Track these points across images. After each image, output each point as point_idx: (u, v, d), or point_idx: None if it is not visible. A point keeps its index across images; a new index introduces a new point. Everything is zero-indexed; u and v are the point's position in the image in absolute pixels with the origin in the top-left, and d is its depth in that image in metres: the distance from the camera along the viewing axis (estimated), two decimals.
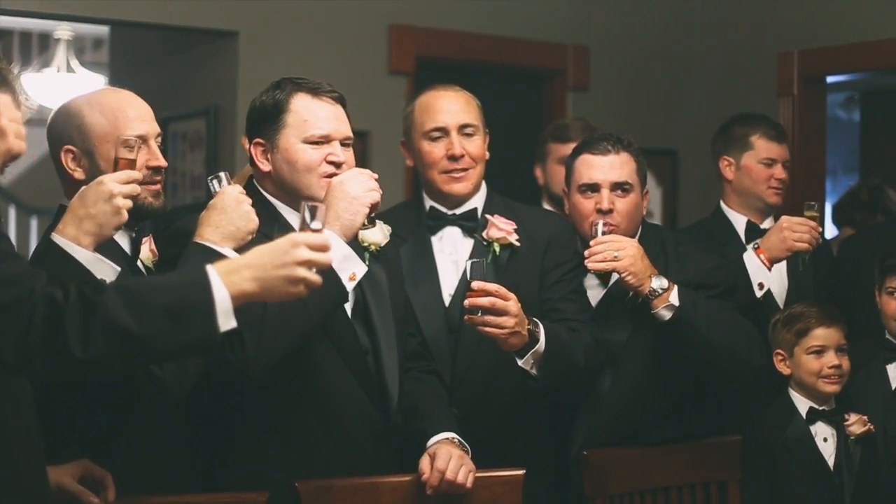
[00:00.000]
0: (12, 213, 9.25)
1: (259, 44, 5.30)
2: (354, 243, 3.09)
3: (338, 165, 3.05)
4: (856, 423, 3.65)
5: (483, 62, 5.73)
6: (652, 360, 3.52)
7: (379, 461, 3.10)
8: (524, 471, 3.20)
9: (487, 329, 3.20)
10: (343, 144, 3.09)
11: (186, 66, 5.70)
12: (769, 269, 3.86)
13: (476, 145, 3.54)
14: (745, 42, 6.02)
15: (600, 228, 3.47)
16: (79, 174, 2.93)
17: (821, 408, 3.69)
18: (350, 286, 2.94)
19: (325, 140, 3.06)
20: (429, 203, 3.59)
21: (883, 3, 5.43)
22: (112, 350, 2.23)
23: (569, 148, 4.31)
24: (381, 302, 3.15)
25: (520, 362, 3.30)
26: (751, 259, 3.86)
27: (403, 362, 3.20)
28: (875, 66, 5.72)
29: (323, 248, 2.35)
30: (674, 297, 3.42)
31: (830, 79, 5.93)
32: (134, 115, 2.95)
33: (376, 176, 3.03)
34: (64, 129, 2.95)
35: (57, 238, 2.74)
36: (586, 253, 3.46)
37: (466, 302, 3.19)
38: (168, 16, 5.19)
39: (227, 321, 2.28)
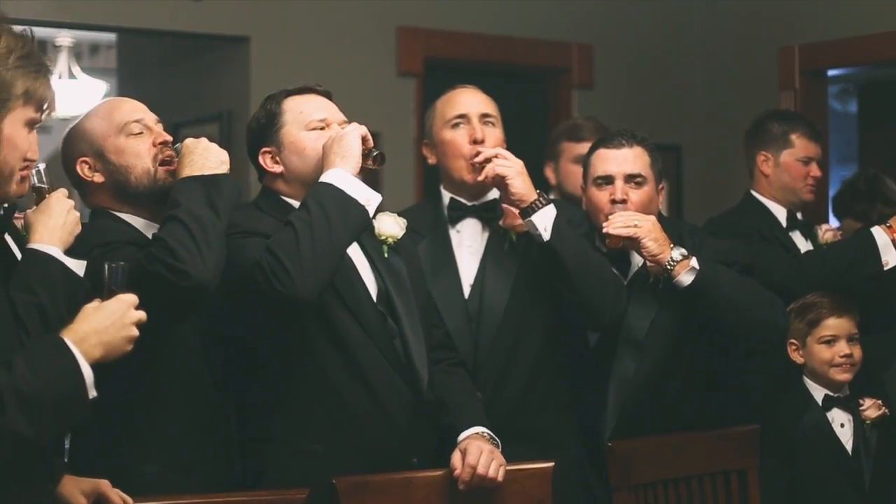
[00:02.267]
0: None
1: (270, 48, 5.38)
2: (372, 237, 3.24)
3: None
4: (871, 408, 3.74)
5: (490, 62, 5.82)
6: (675, 342, 3.61)
7: (415, 434, 3.17)
8: (553, 464, 3.27)
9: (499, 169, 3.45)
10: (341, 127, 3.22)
11: (198, 71, 5.78)
12: None
13: (496, 136, 3.65)
14: (746, 37, 6.10)
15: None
16: (98, 178, 3.03)
17: (836, 395, 3.77)
18: (369, 209, 3.05)
19: (324, 124, 3.20)
20: (448, 196, 3.69)
21: None
22: (6, 452, 2.33)
23: (582, 147, 4.41)
24: (403, 291, 3.25)
25: (531, 217, 3.45)
26: (880, 235, 3.95)
27: (431, 350, 3.28)
28: (875, 59, 5.78)
29: (138, 304, 2.50)
30: (694, 263, 3.50)
31: (831, 72, 6.00)
32: (127, 108, 3.08)
33: (365, 130, 3.13)
34: (72, 147, 3.07)
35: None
36: (604, 224, 3.55)
37: (480, 158, 3.52)
38: (180, 22, 5.28)
39: (92, 392, 2.40)
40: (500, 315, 3.57)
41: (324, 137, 3.16)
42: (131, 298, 2.48)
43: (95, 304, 2.46)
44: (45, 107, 2.53)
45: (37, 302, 2.50)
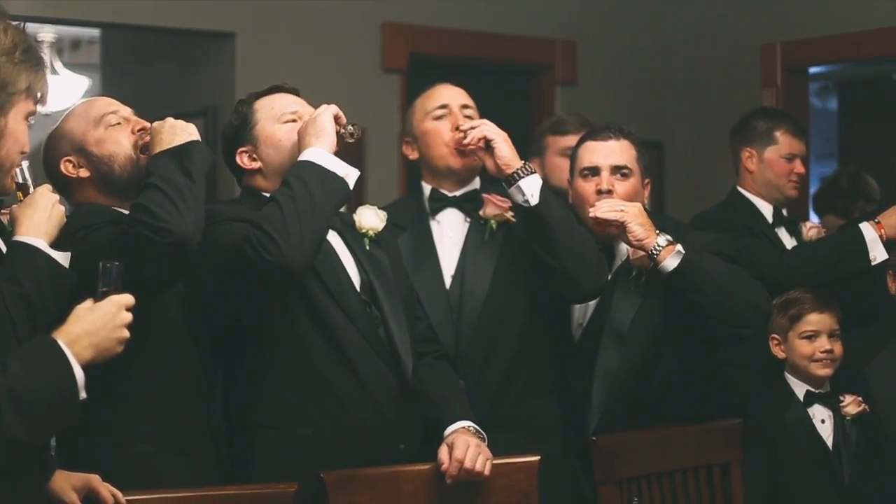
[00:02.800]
0: None
1: (255, 44, 5.38)
2: (354, 230, 3.30)
3: None
4: (851, 404, 3.78)
5: (474, 58, 5.84)
6: (659, 334, 3.64)
7: (401, 420, 3.21)
8: (538, 457, 3.31)
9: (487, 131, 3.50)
10: None
11: (183, 67, 5.78)
12: (883, 244, 3.97)
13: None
14: (728, 34, 6.13)
15: None
16: (83, 172, 3.06)
17: (817, 390, 3.80)
18: (349, 182, 3.09)
19: (296, 116, 3.25)
20: (429, 187, 3.74)
21: None
22: (1, 454, 2.35)
23: (567, 140, 4.47)
24: (385, 282, 3.30)
25: (518, 183, 3.49)
26: (868, 230, 3.99)
27: (414, 342, 3.32)
28: (856, 57, 5.83)
29: (132, 305, 2.51)
30: (679, 248, 3.54)
31: (813, 70, 6.06)
32: (101, 103, 3.13)
33: (337, 109, 3.17)
34: (53, 150, 3.10)
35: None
36: (590, 209, 3.58)
37: (466, 126, 3.54)
38: (165, 18, 5.27)
39: (83, 393, 2.41)
40: (481, 304, 3.61)
41: (298, 128, 3.21)
42: (124, 300, 2.50)
43: (88, 304, 2.48)
44: (40, 99, 2.57)
45: (22, 293, 2.51)
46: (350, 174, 3.09)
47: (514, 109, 5.99)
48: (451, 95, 3.75)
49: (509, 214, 3.66)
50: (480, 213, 3.69)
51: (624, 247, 3.71)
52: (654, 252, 3.53)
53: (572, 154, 3.87)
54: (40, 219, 2.67)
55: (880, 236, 3.96)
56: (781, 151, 4.39)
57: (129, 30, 5.66)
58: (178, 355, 3.06)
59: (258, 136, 3.25)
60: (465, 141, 3.55)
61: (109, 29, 6.08)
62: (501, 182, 3.56)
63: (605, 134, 3.76)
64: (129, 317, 2.50)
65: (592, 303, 3.71)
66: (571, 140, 4.54)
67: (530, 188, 3.50)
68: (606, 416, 3.62)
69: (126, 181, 3.04)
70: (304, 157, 3.09)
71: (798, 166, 4.39)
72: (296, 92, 3.36)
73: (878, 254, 3.94)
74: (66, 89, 7.87)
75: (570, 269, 3.53)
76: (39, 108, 2.59)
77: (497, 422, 3.43)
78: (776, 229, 4.38)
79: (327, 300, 3.16)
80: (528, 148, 4.92)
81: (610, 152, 3.73)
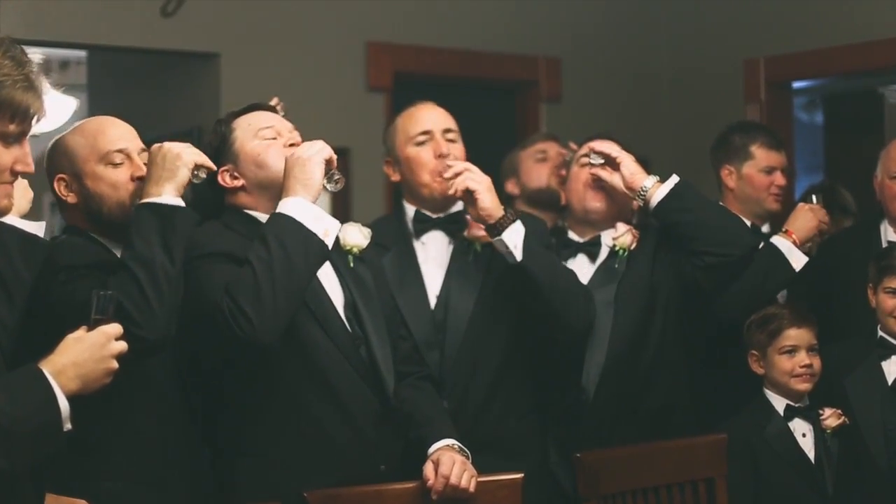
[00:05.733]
0: None
1: (241, 65, 5.40)
2: (338, 247, 3.27)
3: (294, 145, 3.21)
4: (831, 417, 3.79)
5: (459, 77, 5.87)
6: (647, 299, 3.77)
7: (382, 441, 3.22)
8: (522, 475, 3.31)
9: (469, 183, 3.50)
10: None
11: (169, 87, 5.78)
12: (800, 250, 3.99)
13: (460, 150, 3.71)
14: (711, 50, 6.16)
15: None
16: (71, 199, 3.05)
17: (796, 405, 3.81)
18: (328, 241, 3.06)
19: (274, 133, 3.24)
20: (412, 209, 3.74)
21: (845, 9, 5.59)
22: None
23: (537, 146, 4.55)
24: (368, 299, 3.30)
25: (501, 236, 3.51)
26: (782, 242, 3.99)
27: (398, 362, 3.33)
28: (839, 71, 5.87)
29: (121, 335, 2.52)
30: (673, 178, 3.77)
31: (798, 84, 6.09)
32: (113, 133, 3.06)
33: (330, 153, 3.13)
34: (54, 161, 3.09)
35: None
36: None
37: (449, 173, 3.52)
38: (150, 39, 5.29)
39: (66, 425, 2.41)
40: (465, 325, 3.62)
41: (276, 145, 3.20)
42: (113, 330, 2.50)
43: (78, 334, 2.47)
44: (18, 118, 2.44)
45: None
46: (330, 231, 3.06)
47: (499, 127, 6.03)
48: (433, 120, 3.73)
49: None
50: (465, 234, 3.69)
51: (608, 238, 3.82)
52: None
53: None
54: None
55: (794, 242, 3.98)
56: (759, 165, 4.37)
57: (114, 51, 5.66)
58: (155, 386, 3.04)
59: (238, 153, 3.23)
60: (450, 192, 3.56)
61: (94, 51, 6.08)
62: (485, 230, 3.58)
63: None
64: (118, 347, 2.50)
65: None
66: (541, 145, 4.62)
67: (513, 240, 3.51)
68: (603, 383, 3.69)
69: (112, 223, 3.02)
70: (285, 208, 3.04)
71: (778, 178, 4.37)
72: (273, 109, 3.35)
73: (797, 261, 3.96)
74: (54, 110, 7.85)
75: (559, 313, 3.59)
76: (34, 128, 2.50)
77: (479, 443, 3.40)
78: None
79: (309, 321, 3.15)
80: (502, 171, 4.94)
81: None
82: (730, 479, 3.67)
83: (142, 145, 3.09)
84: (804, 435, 3.79)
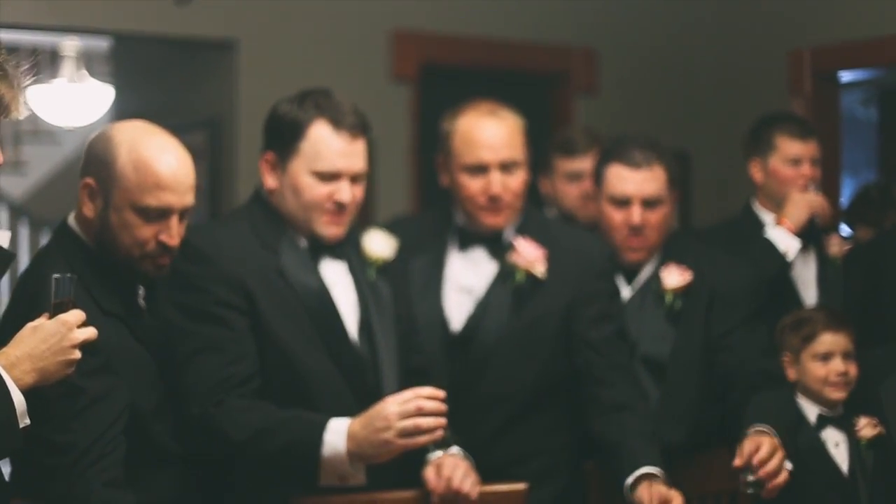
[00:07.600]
0: (25, 228, 9.24)
1: (261, 53, 5.27)
2: (360, 254, 3.13)
3: (341, 206, 3.03)
4: (866, 427, 3.57)
5: (488, 67, 5.67)
6: (700, 374, 3.56)
7: (379, 469, 3.02)
8: (524, 485, 3.16)
9: None
10: (354, 180, 3.05)
11: (188, 77, 5.68)
12: (796, 236, 3.90)
13: (517, 181, 3.41)
14: (755, 41, 5.96)
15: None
16: (88, 210, 2.82)
17: (829, 414, 3.61)
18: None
19: (334, 176, 3.02)
20: (461, 220, 3.49)
21: None
22: None
23: (575, 163, 4.33)
24: (384, 317, 3.14)
25: None
26: (773, 231, 3.90)
27: (405, 375, 3.17)
28: (889, 62, 5.65)
29: (84, 321, 2.39)
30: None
31: (847, 77, 5.87)
32: (164, 181, 2.77)
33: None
34: (96, 158, 2.82)
35: None
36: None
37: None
38: (168, 25, 5.16)
39: (24, 420, 2.29)
40: (489, 353, 3.39)
41: (326, 190, 3.01)
42: (74, 318, 2.37)
43: (35, 323, 2.35)
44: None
45: None
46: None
47: (531, 120, 5.79)
48: (493, 149, 3.36)
49: (539, 269, 3.39)
50: (507, 258, 3.43)
51: (650, 267, 3.61)
52: None
53: (597, 169, 3.67)
54: None
55: (787, 230, 3.88)
56: (784, 157, 4.16)
57: (132, 37, 5.57)
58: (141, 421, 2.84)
59: (287, 167, 3.03)
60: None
61: (112, 36, 6.01)
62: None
63: (636, 159, 3.57)
64: (80, 336, 2.37)
65: None
66: (580, 163, 4.38)
67: None
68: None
69: (110, 260, 2.81)
70: (332, 437, 2.87)
71: (806, 169, 4.15)
72: (364, 131, 3.10)
73: (789, 247, 3.87)
74: (93, 100, 7.88)
75: None
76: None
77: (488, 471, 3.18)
78: None
79: (318, 350, 3.01)
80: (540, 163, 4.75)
81: (643, 181, 3.55)
82: None
83: (188, 201, 2.83)
84: (837, 445, 3.58)
